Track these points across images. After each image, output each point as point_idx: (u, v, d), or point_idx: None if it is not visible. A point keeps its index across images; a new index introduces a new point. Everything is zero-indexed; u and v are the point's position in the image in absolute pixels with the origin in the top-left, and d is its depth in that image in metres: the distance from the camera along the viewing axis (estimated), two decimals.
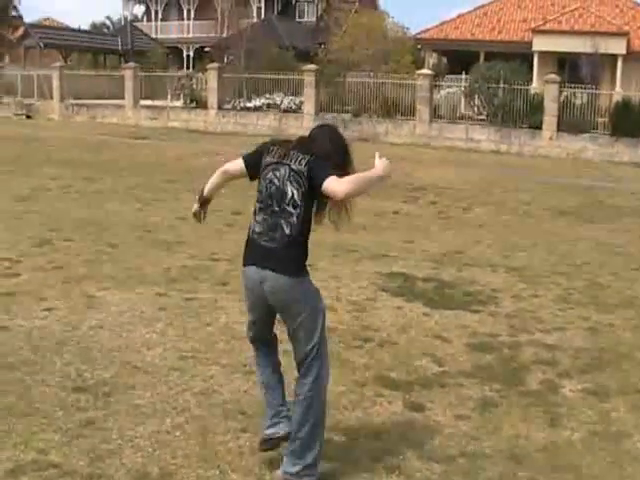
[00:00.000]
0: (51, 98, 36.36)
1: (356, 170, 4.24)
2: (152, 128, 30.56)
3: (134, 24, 56.09)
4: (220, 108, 31.02)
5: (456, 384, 5.80)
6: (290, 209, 4.08)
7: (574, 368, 6.27)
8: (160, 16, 59.00)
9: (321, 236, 10.66)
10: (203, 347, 6.24)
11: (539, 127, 25.95)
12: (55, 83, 36.08)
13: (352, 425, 4.99)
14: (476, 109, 28.19)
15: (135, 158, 20.45)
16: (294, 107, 29.82)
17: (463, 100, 29.07)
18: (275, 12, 54.09)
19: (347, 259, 9.68)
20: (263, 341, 4.55)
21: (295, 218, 4.08)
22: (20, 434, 4.66)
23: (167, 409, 5.06)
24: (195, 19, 56.64)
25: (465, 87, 28.78)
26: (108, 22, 74.79)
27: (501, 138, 26.44)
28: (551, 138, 25.68)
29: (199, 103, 32.06)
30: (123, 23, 59.29)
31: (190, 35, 56.18)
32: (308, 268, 4.31)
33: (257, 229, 4.20)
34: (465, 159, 22.53)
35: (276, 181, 4.14)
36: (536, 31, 35.12)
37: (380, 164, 4.13)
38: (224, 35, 43.16)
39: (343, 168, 4.16)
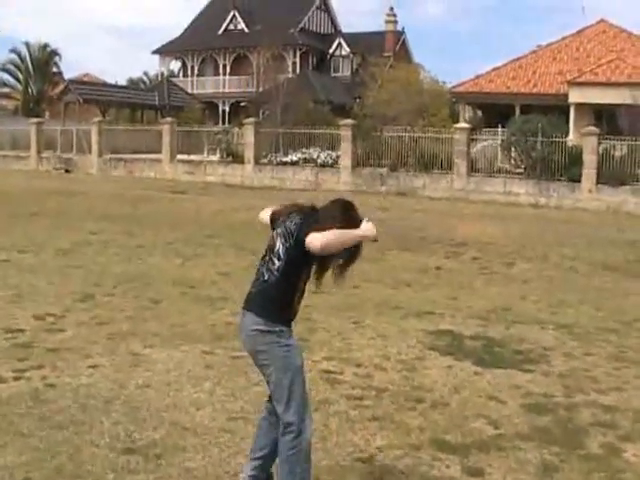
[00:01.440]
0: (89, 152, 36.86)
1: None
2: (189, 182, 30.81)
3: (171, 79, 57.02)
4: (257, 163, 31.22)
5: (514, 447, 5.60)
6: (275, 260, 4.34)
7: (635, 431, 6.04)
8: (196, 71, 59.98)
9: (365, 293, 10.69)
10: (252, 407, 6.09)
11: (578, 180, 25.78)
12: (94, 138, 36.62)
13: None
14: (513, 162, 28.05)
15: (174, 213, 20.55)
16: (331, 161, 29.92)
17: (500, 153, 28.97)
18: (310, 67, 54.79)
19: (392, 317, 9.53)
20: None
21: (276, 268, 4.31)
22: None
23: (220, 473, 4.93)
24: (231, 74, 57.52)
25: (502, 140, 28.71)
26: (145, 78, 76.16)
27: (540, 191, 26.27)
28: (590, 191, 25.47)
29: (236, 157, 32.31)
30: (160, 79, 60.27)
31: (226, 90, 56.99)
32: (290, 331, 4.41)
33: (253, 278, 4.50)
34: (504, 213, 22.37)
35: (274, 236, 4.45)
36: (572, 83, 35.13)
37: (364, 225, 4.32)
38: (260, 90, 43.59)
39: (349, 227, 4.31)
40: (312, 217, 4.34)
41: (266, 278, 4.34)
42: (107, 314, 9.22)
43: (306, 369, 7.08)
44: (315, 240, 4.10)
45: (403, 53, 56.84)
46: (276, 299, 4.29)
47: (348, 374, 7.10)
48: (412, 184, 28.20)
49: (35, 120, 40.82)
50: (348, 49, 56.14)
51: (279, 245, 4.34)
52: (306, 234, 4.16)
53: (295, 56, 55.68)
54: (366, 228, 4.31)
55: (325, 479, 4.89)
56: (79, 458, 5.08)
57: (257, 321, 4.28)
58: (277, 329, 4.28)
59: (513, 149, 27.92)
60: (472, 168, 27.98)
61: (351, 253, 4.41)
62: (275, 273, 4.30)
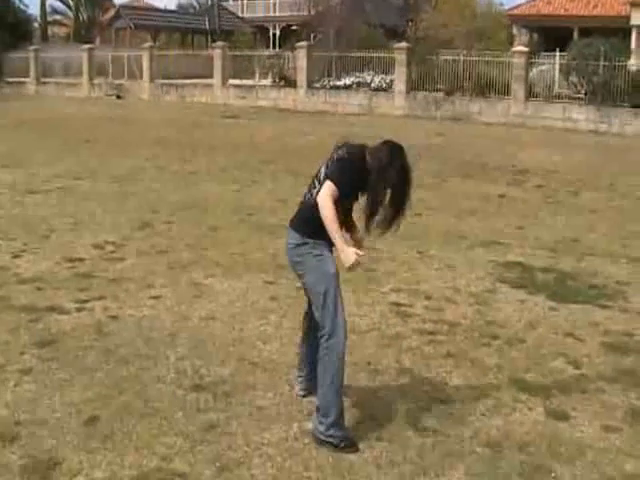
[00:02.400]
0: (141, 78, 36.57)
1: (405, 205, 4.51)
2: (241, 107, 30.41)
3: (221, 3, 56.12)
4: (309, 87, 30.65)
5: (598, 390, 5.30)
6: (316, 183, 4.49)
7: None
8: None
9: (427, 222, 10.36)
10: None
11: None
12: (145, 63, 36.28)
13: (494, 435, 4.56)
14: (573, 87, 27.08)
15: (227, 138, 20.26)
16: (384, 86, 29.22)
17: (558, 78, 27.99)
18: None
19: (458, 247, 9.20)
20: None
21: (316, 192, 4.41)
22: (141, 437, 4.39)
23: (292, 412, 4.72)
24: None
25: (561, 64, 27.70)
26: (195, 2, 75.14)
27: (601, 117, 25.32)
28: None
29: (288, 82, 31.76)
30: (210, 3, 59.35)
31: (276, 14, 55.85)
32: (324, 243, 4.44)
33: None
34: (565, 139, 21.64)
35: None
36: (635, 4, 33.61)
37: (347, 255, 4.32)
38: (311, 13, 42.65)
39: (392, 188, 4.42)
40: (352, 157, 4.44)
41: (306, 199, 4.54)
42: (166, 242, 9.05)
43: (375, 301, 6.92)
44: (319, 195, 4.30)
45: None
46: (310, 220, 4.40)
47: (418, 307, 6.83)
48: (468, 109, 27.44)
49: (87, 46, 40.51)
50: None
51: (322, 171, 4.50)
52: (325, 176, 4.38)
53: None
54: (346, 256, 4.30)
55: (403, 421, 4.66)
56: (146, 395, 4.91)
57: (294, 236, 4.53)
58: (311, 241, 4.45)
59: (573, 73, 26.91)
60: (530, 93, 27.08)
61: (397, 210, 4.49)
62: (314, 195, 4.41)
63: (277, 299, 6.92)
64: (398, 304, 6.89)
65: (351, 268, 4.34)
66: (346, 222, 4.63)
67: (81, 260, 8.24)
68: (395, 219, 4.52)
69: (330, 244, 4.43)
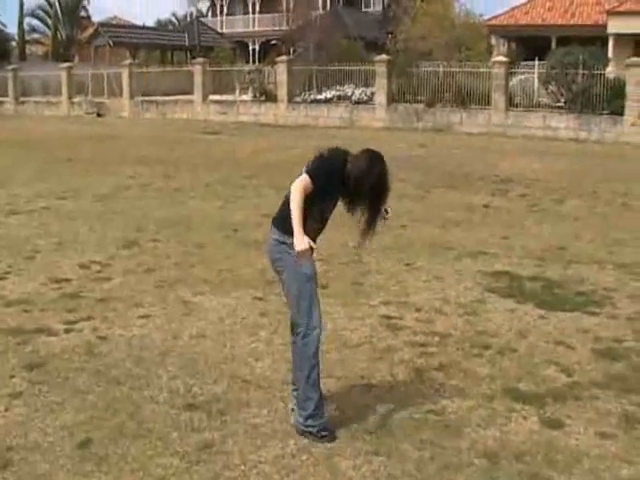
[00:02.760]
0: (121, 96, 36.50)
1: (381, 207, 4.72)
2: (222, 123, 30.40)
3: (200, 19, 56.26)
4: (290, 101, 30.69)
5: (591, 397, 5.31)
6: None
7: None
8: (225, 10, 58.96)
9: (413, 233, 10.37)
10: None
11: (620, 113, 24.94)
12: (125, 81, 36.24)
13: (490, 445, 4.55)
14: (553, 96, 27.25)
15: (210, 154, 20.23)
16: (365, 98, 29.31)
17: (537, 87, 28.15)
18: (341, 3, 53.59)
19: (446, 257, 9.21)
20: None
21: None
22: (136, 458, 4.35)
23: (287, 429, 4.69)
24: (260, 12, 56.44)
25: (540, 74, 27.89)
26: (173, 19, 75.28)
27: (580, 125, 25.48)
28: (634, 124, 24.68)
29: (268, 96, 31.79)
30: (189, 19, 59.50)
31: (256, 29, 56.04)
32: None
33: None
34: (546, 148, 21.76)
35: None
36: (611, 13, 34.01)
37: (299, 244, 4.40)
38: (291, 28, 42.75)
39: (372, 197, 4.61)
40: (333, 158, 4.61)
41: (286, 196, 4.58)
42: (153, 260, 9.01)
43: (365, 315, 6.91)
44: (293, 185, 4.45)
45: None
46: (289, 216, 4.45)
47: (409, 319, 6.83)
48: (449, 120, 27.56)
49: (65, 65, 40.41)
50: None
51: (303, 170, 4.60)
52: (306, 171, 4.52)
53: None
54: (299, 242, 4.39)
55: (399, 434, 4.64)
56: (140, 416, 4.88)
57: (276, 232, 4.67)
58: (290, 241, 4.49)
59: (552, 82, 27.09)
60: (510, 103, 27.24)
61: (373, 216, 4.70)
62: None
63: (267, 315, 6.89)
64: (388, 317, 6.89)
65: (299, 254, 4.41)
66: (321, 229, 4.74)
67: (67, 280, 8.19)
68: (371, 225, 4.73)
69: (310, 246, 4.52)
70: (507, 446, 4.56)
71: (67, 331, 6.54)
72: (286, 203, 4.56)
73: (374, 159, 4.62)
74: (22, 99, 40.51)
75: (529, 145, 22.49)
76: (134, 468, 4.24)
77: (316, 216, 4.60)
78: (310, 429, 4.58)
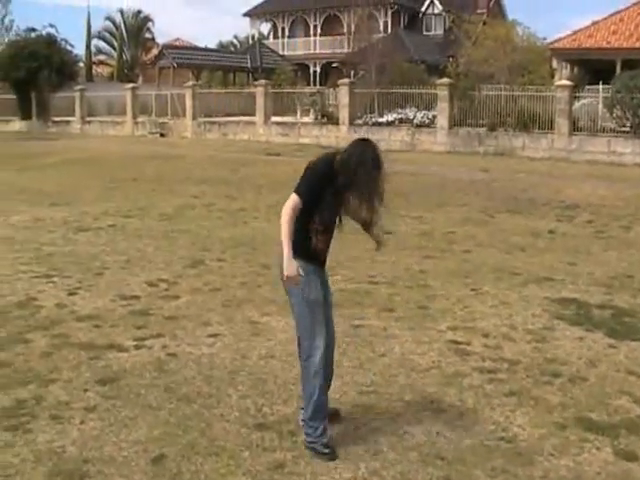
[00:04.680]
0: (184, 116, 37.03)
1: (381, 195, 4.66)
2: (284, 144, 30.62)
3: (262, 42, 56.91)
4: (352, 123, 30.78)
5: None
6: None
7: None
8: (287, 33, 59.61)
9: (478, 258, 10.31)
10: (382, 381, 5.86)
11: None
12: (188, 101, 36.72)
13: (564, 476, 4.49)
14: (618, 121, 26.88)
15: (272, 175, 20.35)
16: (427, 122, 29.27)
17: (600, 111, 27.80)
18: (402, 26, 53.77)
19: (512, 283, 9.13)
20: None
21: None
22: (209, 476, 4.40)
23: (359, 452, 4.69)
24: (321, 35, 56.92)
25: (605, 98, 27.54)
26: (235, 41, 76.30)
27: None
28: None
29: (330, 119, 31.95)
30: (251, 41, 60.20)
31: (317, 51, 56.50)
32: (312, 269, 4.74)
33: None
34: (611, 173, 21.43)
35: None
36: None
37: (288, 268, 4.55)
38: (352, 50, 42.94)
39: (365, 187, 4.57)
40: (315, 165, 4.70)
41: None
42: (219, 280, 9.10)
43: (432, 339, 6.88)
44: (283, 210, 4.57)
45: (497, 10, 55.26)
46: (296, 241, 4.56)
47: (476, 345, 6.78)
48: (511, 144, 27.36)
49: (130, 85, 41.18)
50: (440, 7, 54.87)
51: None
52: (294, 190, 4.62)
53: (386, 15, 54.64)
54: (289, 266, 4.53)
55: (471, 459, 4.61)
56: (211, 434, 4.93)
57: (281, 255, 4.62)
58: (299, 262, 4.57)
59: (618, 107, 26.73)
60: (574, 127, 26.96)
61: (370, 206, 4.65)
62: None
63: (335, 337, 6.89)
64: (456, 342, 6.85)
65: (288, 279, 4.56)
66: (330, 238, 4.84)
67: (136, 297, 8.33)
68: (370, 214, 4.70)
69: (317, 268, 4.79)
70: (581, 476, 4.50)
71: (137, 347, 6.64)
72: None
73: (364, 148, 4.63)
74: (88, 119, 41.36)
75: (593, 170, 22.19)
76: None
77: (319, 227, 4.70)
78: (312, 445, 4.72)
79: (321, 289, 4.84)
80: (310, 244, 4.70)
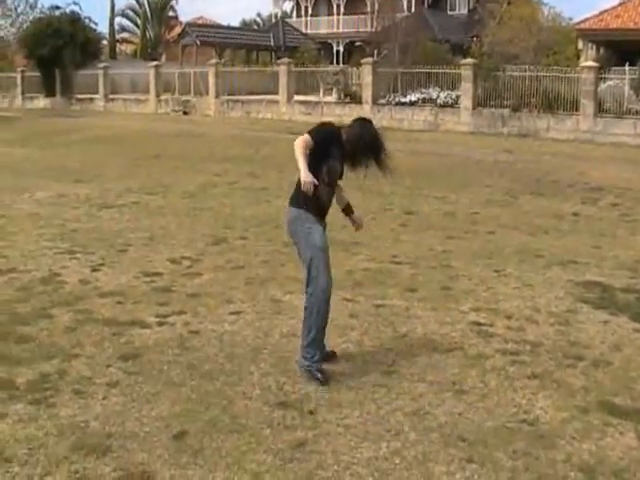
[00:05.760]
0: (207, 94, 37.02)
1: (386, 159, 5.58)
2: (306, 123, 30.33)
3: (285, 20, 56.66)
4: (375, 103, 30.64)
5: None
6: None
7: None
8: (310, 11, 59.25)
9: (502, 240, 10.25)
10: (404, 361, 5.84)
11: None
12: (211, 80, 36.72)
13: (586, 460, 4.46)
14: None
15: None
16: (450, 102, 29.08)
17: (626, 93, 27.46)
18: (426, 5, 53.30)
19: (535, 265, 9.06)
20: None
21: None
22: (230, 453, 4.41)
23: (380, 432, 4.69)
24: (345, 14, 56.53)
25: (632, 79, 27.22)
26: (258, 19, 76.06)
27: None
28: None
29: (353, 98, 31.82)
30: (274, 20, 59.96)
31: (340, 30, 56.16)
32: (315, 220, 5.46)
33: None
34: (637, 156, 21.19)
35: None
36: None
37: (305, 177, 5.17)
38: (375, 29, 42.67)
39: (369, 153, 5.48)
40: (328, 126, 5.53)
41: (298, 180, 5.35)
42: (242, 258, 9.11)
43: (455, 320, 6.86)
44: (295, 143, 5.25)
45: None
46: (300, 193, 5.31)
47: (499, 327, 6.74)
48: (535, 125, 27.14)
49: (154, 63, 41.21)
50: None
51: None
52: (308, 130, 5.36)
53: None
54: (306, 175, 5.14)
55: (493, 441, 4.59)
56: (232, 411, 4.94)
57: (291, 209, 5.51)
58: (303, 216, 5.42)
59: None
60: (599, 109, 26.68)
61: (373, 160, 5.51)
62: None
63: (356, 316, 6.90)
64: (478, 323, 6.81)
65: (305, 184, 5.12)
66: (332, 192, 5.57)
67: (159, 274, 8.35)
68: (382, 166, 5.55)
69: (320, 220, 5.49)
70: (604, 461, 4.46)
71: (160, 324, 6.66)
72: (296, 186, 5.44)
73: (365, 124, 5.59)
74: (111, 96, 41.44)
75: (619, 153, 21.98)
76: (229, 463, 4.30)
77: (324, 177, 5.39)
78: (308, 368, 5.42)
79: (324, 236, 5.50)
80: (317, 200, 5.37)
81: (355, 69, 33.53)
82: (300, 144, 5.20)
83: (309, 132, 5.30)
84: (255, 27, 69.82)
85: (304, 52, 43.16)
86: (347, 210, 5.95)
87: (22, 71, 46.63)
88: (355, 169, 5.56)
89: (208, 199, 13.36)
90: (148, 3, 66.09)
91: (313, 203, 5.37)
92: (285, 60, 35.43)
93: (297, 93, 34.05)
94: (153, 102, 38.99)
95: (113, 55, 60.85)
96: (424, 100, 29.71)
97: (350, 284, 7.89)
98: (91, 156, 19.94)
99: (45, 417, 4.82)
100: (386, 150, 5.55)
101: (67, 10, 45.65)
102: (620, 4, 38.66)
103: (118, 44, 66.65)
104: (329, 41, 55.98)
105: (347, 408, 5.00)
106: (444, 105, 29.20)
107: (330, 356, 5.72)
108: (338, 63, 50.03)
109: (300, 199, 5.37)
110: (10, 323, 6.64)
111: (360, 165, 5.52)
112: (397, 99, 30.36)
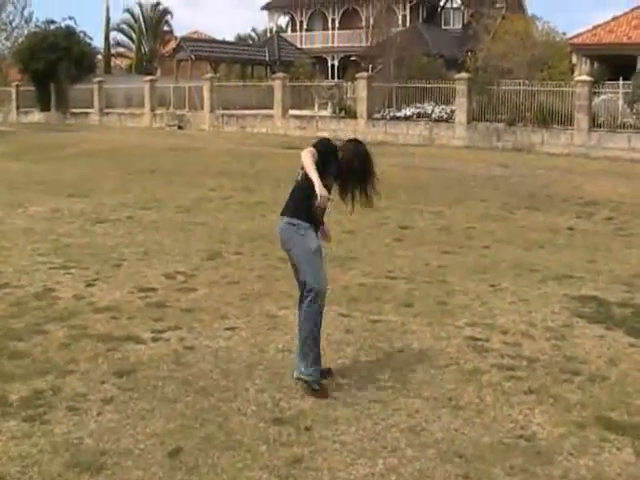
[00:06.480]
0: (202, 109, 37.04)
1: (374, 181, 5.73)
2: (301, 137, 30.47)
3: (280, 35, 56.79)
4: (369, 117, 30.68)
5: None
6: (300, 170, 5.47)
7: None
8: (305, 26, 59.40)
9: (497, 255, 10.25)
10: (400, 376, 5.82)
11: None
12: (206, 94, 36.72)
13: (584, 475, 4.44)
14: (639, 117, 26.63)
15: (290, 168, 20.23)
16: (445, 116, 29.12)
17: (620, 107, 27.54)
18: (421, 20, 53.52)
19: (531, 279, 9.06)
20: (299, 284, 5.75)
21: (299, 176, 5.52)
22: (226, 470, 4.38)
23: (376, 448, 4.66)
24: (340, 29, 56.68)
25: (625, 94, 27.30)
26: (253, 34, 76.25)
27: None
28: None
29: (348, 112, 31.85)
30: (269, 34, 60.08)
31: (335, 44, 56.26)
32: (309, 227, 5.52)
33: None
34: (631, 170, 21.24)
35: None
36: None
37: (320, 191, 5.22)
38: (370, 44, 42.80)
39: (361, 174, 5.67)
40: (328, 142, 5.60)
41: (294, 186, 5.61)
42: (237, 273, 9.10)
43: (451, 335, 6.84)
44: (302, 154, 5.33)
45: (516, 4, 54.82)
46: (297, 200, 5.51)
47: (495, 342, 6.72)
48: (530, 140, 27.17)
49: (149, 78, 41.21)
50: (459, 1, 54.60)
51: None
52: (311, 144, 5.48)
53: (405, 9, 54.22)
54: (320, 190, 5.19)
55: (490, 457, 4.57)
56: (228, 427, 4.91)
57: (285, 219, 5.60)
58: (297, 223, 5.51)
59: (638, 103, 26.50)
60: (593, 123, 26.74)
61: (363, 180, 5.69)
62: (298, 179, 5.51)
63: (352, 332, 6.88)
64: (474, 338, 6.80)
65: (322, 198, 5.19)
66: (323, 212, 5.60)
67: (153, 290, 8.33)
68: (364, 193, 5.73)
69: (314, 228, 5.58)
70: (601, 477, 4.44)
71: (154, 340, 6.64)
72: (292, 197, 5.60)
73: (358, 145, 5.74)
74: (106, 111, 41.43)
75: (613, 167, 22.03)
76: (224, 479, 4.26)
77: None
78: (307, 378, 5.44)
79: (318, 240, 5.65)
80: (310, 209, 5.42)
81: (350, 83, 33.57)
82: (309, 155, 5.30)
83: (314, 145, 5.44)
84: (250, 42, 69.99)
85: (299, 67, 43.19)
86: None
87: (17, 85, 46.61)
88: (344, 190, 5.72)
89: (203, 214, 13.35)
90: (143, 18, 66.33)
91: (308, 215, 5.50)
92: (280, 75, 35.47)
93: (292, 107, 34.07)
94: (148, 116, 38.98)
95: (108, 69, 60.90)
96: (419, 115, 29.73)
97: (346, 299, 7.88)
98: (85, 170, 19.93)
99: (39, 434, 4.79)
100: (376, 174, 5.73)
101: (62, 24, 45.48)
102: (613, 19, 38.88)
103: (113, 58, 66.73)
104: (324, 56, 56.07)
105: (343, 424, 4.98)
106: (439, 119, 29.23)
107: (326, 373, 5.70)
108: (333, 78, 50.12)
109: (297, 210, 5.51)
110: (4, 339, 6.61)
111: (350, 185, 5.68)
112: (392, 114, 30.38)
